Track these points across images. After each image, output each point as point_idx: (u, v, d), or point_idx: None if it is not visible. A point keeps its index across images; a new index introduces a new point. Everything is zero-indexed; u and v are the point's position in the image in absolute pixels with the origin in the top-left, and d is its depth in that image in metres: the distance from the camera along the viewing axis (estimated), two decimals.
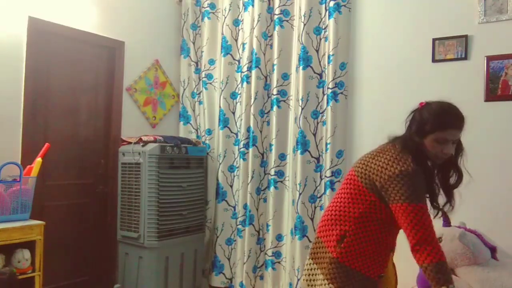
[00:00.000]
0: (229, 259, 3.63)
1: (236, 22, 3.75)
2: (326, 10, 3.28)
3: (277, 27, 3.46)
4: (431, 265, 1.47)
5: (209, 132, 3.80)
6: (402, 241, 2.93)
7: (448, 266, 1.52)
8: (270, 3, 3.54)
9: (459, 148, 1.73)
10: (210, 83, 3.88)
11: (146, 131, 3.69)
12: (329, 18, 3.23)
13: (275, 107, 3.45)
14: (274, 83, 3.47)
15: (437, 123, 1.61)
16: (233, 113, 3.71)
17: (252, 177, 3.48)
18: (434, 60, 2.91)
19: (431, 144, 1.63)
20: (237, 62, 3.74)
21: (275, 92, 3.46)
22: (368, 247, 1.68)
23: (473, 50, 2.78)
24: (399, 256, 2.96)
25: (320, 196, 3.26)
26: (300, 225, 3.23)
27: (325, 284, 1.69)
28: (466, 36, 2.79)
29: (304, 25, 3.30)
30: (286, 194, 3.42)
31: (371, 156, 1.71)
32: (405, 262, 2.90)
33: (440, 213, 1.75)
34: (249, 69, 3.57)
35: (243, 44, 3.65)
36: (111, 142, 3.52)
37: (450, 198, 1.74)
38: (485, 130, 2.72)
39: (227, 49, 3.74)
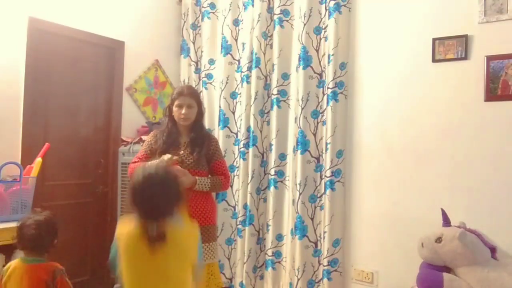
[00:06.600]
0: (229, 259, 3.62)
1: (236, 22, 3.75)
2: (326, 10, 3.27)
3: (277, 27, 3.45)
4: None
5: (209, 132, 3.79)
6: (401, 241, 2.94)
7: None
8: (270, 3, 3.53)
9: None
10: (210, 83, 3.88)
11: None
12: (329, 18, 3.23)
13: (275, 107, 3.45)
14: (274, 83, 3.47)
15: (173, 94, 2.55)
16: (233, 113, 3.71)
17: (252, 177, 3.48)
18: (434, 60, 2.90)
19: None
20: (237, 62, 3.74)
21: (275, 92, 3.46)
22: None
23: (473, 50, 2.78)
24: (399, 256, 2.97)
25: (320, 196, 3.26)
26: (300, 225, 3.23)
27: None
28: (466, 36, 2.78)
29: (304, 25, 3.30)
30: (286, 194, 3.42)
31: None
32: (405, 262, 2.92)
33: None
34: (249, 69, 3.57)
35: (243, 44, 3.65)
36: (111, 142, 3.52)
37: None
38: (485, 130, 2.72)
39: (227, 49, 3.74)
